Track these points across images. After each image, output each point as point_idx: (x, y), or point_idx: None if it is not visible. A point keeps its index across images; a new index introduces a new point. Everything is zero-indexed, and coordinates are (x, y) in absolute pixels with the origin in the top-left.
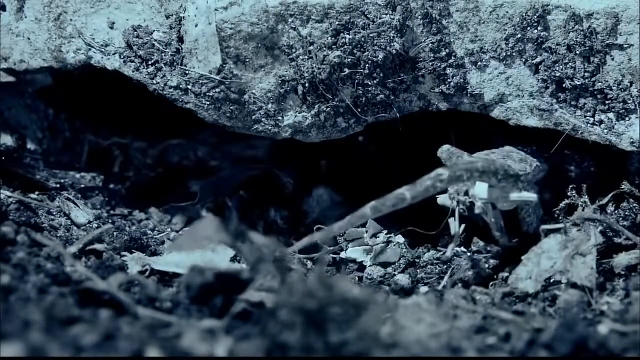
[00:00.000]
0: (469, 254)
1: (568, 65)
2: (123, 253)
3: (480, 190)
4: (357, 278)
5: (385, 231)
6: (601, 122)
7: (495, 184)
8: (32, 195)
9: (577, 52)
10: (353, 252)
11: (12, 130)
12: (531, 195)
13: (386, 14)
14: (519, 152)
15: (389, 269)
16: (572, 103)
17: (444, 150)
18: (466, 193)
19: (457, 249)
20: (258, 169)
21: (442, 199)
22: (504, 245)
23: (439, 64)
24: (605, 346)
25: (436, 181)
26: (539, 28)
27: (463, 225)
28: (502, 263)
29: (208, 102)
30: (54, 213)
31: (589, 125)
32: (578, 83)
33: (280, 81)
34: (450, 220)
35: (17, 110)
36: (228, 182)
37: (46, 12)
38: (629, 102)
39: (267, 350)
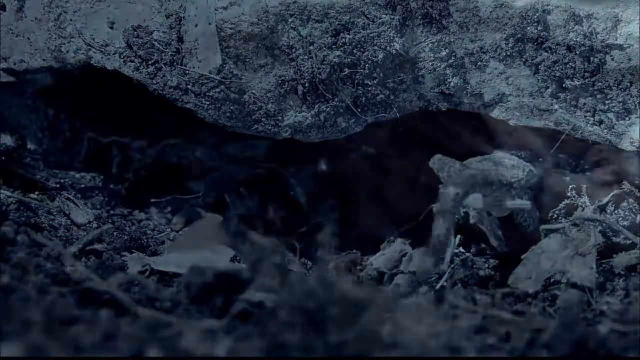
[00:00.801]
0: (468, 254)
1: (568, 65)
2: (123, 253)
3: (475, 200)
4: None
5: (400, 239)
6: (601, 122)
7: (490, 194)
8: (32, 195)
9: (577, 52)
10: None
11: (12, 130)
12: (525, 203)
13: (386, 14)
14: (512, 157)
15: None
16: (572, 103)
17: (436, 160)
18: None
19: (456, 249)
20: (264, 167)
21: (437, 208)
22: (502, 251)
23: (439, 64)
24: (605, 346)
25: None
26: (539, 28)
27: (459, 237)
28: (502, 263)
29: (208, 102)
30: (54, 213)
31: (589, 125)
32: (578, 83)
33: (280, 81)
34: None
35: (17, 110)
36: (232, 179)
37: (46, 12)
38: (629, 102)
39: (267, 350)
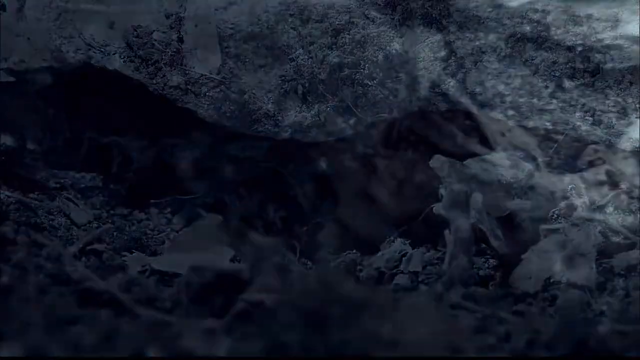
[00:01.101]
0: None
1: (568, 65)
2: (123, 253)
3: (475, 200)
4: (357, 278)
5: (400, 239)
6: (601, 122)
7: (490, 194)
8: (32, 195)
9: (577, 52)
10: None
11: (12, 130)
12: (525, 202)
13: (386, 14)
14: (511, 157)
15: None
16: (572, 103)
17: (436, 160)
18: None
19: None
20: (264, 167)
21: (438, 209)
22: (502, 251)
23: (438, 64)
24: (605, 346)
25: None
26: (539, 28)
27: None
28: (502, 263)
29: (208, 102)
30: (54, 213)
31: (588, 125)
32: (578, 83)
33: (280, 81)
34: (446, 232)
35: (17, 110)
36: (232, 179)
37: (46, 12)
38: (629, 102)
39: (267, 350)
